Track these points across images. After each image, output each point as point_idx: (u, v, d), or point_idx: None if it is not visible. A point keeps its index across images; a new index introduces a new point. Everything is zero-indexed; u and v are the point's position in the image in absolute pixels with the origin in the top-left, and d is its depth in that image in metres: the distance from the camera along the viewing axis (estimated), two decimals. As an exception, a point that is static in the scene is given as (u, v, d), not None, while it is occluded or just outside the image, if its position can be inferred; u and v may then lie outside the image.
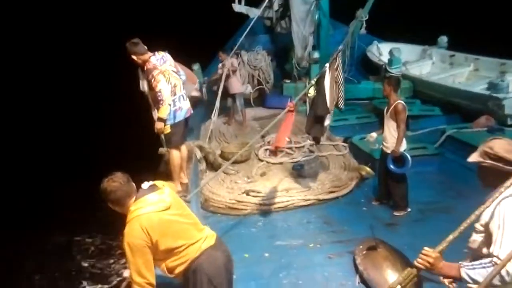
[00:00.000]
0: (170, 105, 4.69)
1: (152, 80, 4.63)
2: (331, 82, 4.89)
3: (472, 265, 2.12)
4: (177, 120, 4.82)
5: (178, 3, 17.32)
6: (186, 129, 5.31)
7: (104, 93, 11.37)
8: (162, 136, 5.06)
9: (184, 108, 4.91)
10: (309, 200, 5.47)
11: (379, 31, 10.57)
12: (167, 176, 5.00)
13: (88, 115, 10.69)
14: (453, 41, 9.73)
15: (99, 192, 2.70)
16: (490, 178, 2.29)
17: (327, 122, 5.11)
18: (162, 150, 5.52)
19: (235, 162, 6.40)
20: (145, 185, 2.82)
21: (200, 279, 2.76)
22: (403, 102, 4.92)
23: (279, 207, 5.40)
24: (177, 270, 2.80)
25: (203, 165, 6.13)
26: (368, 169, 6.02)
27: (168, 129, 4.79)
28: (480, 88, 7.52)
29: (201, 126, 7.70)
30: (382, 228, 4.86)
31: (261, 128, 7.35)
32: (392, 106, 4.90)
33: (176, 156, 4.98)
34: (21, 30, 15.62)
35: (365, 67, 10.05)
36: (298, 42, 8.80)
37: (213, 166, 6.25)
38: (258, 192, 5.53)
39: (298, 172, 6.05)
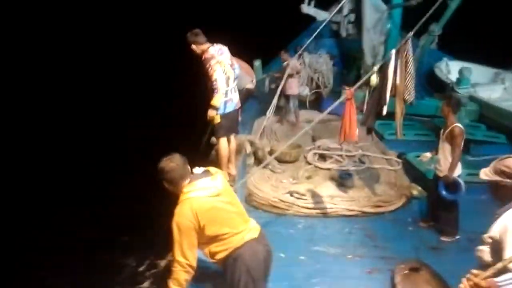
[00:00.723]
0: (223, 94, 4.81)
1: (209, 69, 4.79)
2: (401, 72, 4.68)
3: (502, 281, 2.04)
4: (226, 111, 4.96)
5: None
6: (236, 122, 5.41)
7: (162, 86, 11.62)
8: (213, 127, 5.19)
9: (234, 100, 5.05)
10: (353, 210, 5.36)
11: (450, 48, 10.13)
12: (216, 166, 5.09)
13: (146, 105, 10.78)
14: (530, 68, 9.14)
15: (157, 171, 2.86)
16: (503, 193, 2.45)
17: (383, 112, 4.92)
18: (213, 140, 5.64)
19: (283, 162, 6.42)
20: (199, 169, 2.92)
21: (240, 268, 2.83)
22: (460, 126, 4.66)
23: (321, 213, 5.34)
24: (219, 256, 2.88)
25: (251, 160, 6.19)
26: (419, 188, 5.80)
27: (218, 119, 4.91)
28: (552, 120, 7.01)
29: (254, 122, 7.76)
30: (427, 251, 4.68)
31: (313, 131, 7.30)
32: (449, 129, 4.68)
33: (224, 147, 5.10)
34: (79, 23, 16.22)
35: (431, 84, 9.66)
36: (368, 51, 8.58)
37: (261, 163, 6.26)
38: (302, 195, 5.49)
39: (345, 181, 5.93)
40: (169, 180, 2.85)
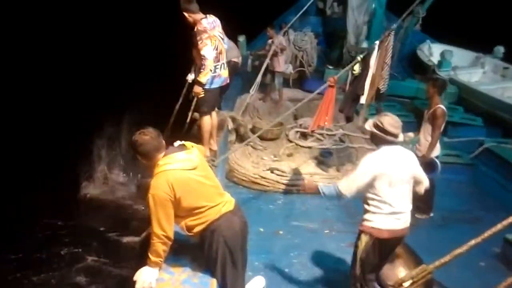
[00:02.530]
0: (211, 71, 4.73)
1: (200, 42, 4.66)
2: (379, 61, 4.76)
3: (325, 185, 3.32)
4: (213, 86, 4.86)
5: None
6: (220, 98, 5.36)
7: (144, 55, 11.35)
8: (196, 101, 5.13)
9: (223, 76, 4.94)
10: (332, 188, 5.45)
11: (434, 30, 10.19)
12: (198, 140, 5.08)
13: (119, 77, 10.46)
14: (510, 53, 9.29)
15: (130, 144, 2.84)
16: (376, 140, 3.24)
17: (362, 101, 5.02)
18: (196, 114, 5.60)
19: (265, 139, 6.45)
20: (175, 143, 2.91)
21: (217, 239, 2.88)
22: (443, 107, 4.75)
23: (300, 189, 5.41)
24: (196, 229, 2.91)
25: (233, 136, 6.20)
26: None
27: (202, 94, 4.84)
28: (529, 105, 7.20)
29: (237, 98, 7.72)
30: (401, 228, 4.81)
31: (296, 109, 7.32)
32: (432, 110, 4.77)
33: (207, 122, 5.05)
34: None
35: (413, 65, 9.76)
36: (352, 30, 8.58)
37: (242, 139, 6.29)
38: (283, 172, 5.55)
39: (326, 159, 6.02)
40: (143, 153, 2.81)
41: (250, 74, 8.45)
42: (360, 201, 5.23)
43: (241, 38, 8.98)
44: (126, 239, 5.35)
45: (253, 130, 6.53)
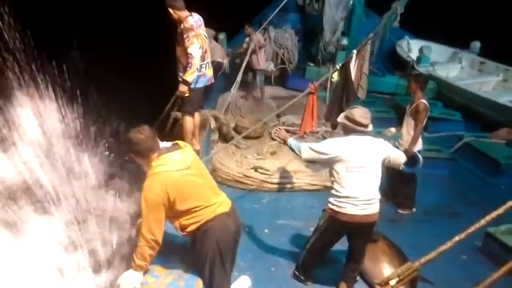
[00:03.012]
0: (197, 69, 4.68)
1: (187, 40, 4.60)
2: (357, 70, 4.82)
3: (294, 140, 3.71)
4: (198, 85, 4.82)
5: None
6: (203, 97, 5.31)
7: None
8: (179, 100, 5.07)
9: (208, 75, 4.90)
10: (315, 185, 5.47)
11: (412, 26, 10.33)
12: (179, 140, 5.02)
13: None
14: (486, 48, 9.49)
15: (125, 141, 2.81)
16: (347, 131, 3.51)
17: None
18: (177, 114, 5.54)
19: (248, 138, 6.41)
20: (168, 143, 2.87)
21: (209, 240, 2.86)
22: (425, 102, 4.82)
23: (285, 188, 5.42)
24: (189, 229, 2.88)
25: (215, 136, 6.15)
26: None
27: (187, 93, 4.79)
28: (506, 99, 7.38)
29: (219, 97, 7.68)
30: (385, 223, 4.77)
31: (278, 107, 7.33)
32: (414, 105, 4.83)
33: (189, 121, 5.00)
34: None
35: (392, 62, 9.88)
36: (328, 26, 8.64)
37: (225, 138, 6.26)
38: (267, 170, 5.54)
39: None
40: (137, 152, 2.79)
41: (231, 72, 8.41)
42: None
43: (221, 36, 8.92)
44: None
45: (236, 129, 6.50)
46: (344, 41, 8.32)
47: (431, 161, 5.71)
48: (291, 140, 3.71)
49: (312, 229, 4.65)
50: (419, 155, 4.89)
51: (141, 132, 2.78)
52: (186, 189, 2.77)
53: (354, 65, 4.80)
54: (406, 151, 4.83)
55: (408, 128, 4.92)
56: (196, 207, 2.82)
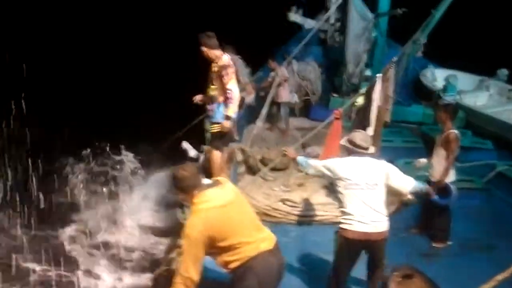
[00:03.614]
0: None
1: (225, 75, 4.72)
2: (383, 92, 4.81)
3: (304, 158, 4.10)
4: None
5: (231, 6, 17.57)
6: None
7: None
8: (208, 134, 5.14)
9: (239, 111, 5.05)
10: (345, 217, 5.36)
11: (436, 56, 10.30)
12: (207, 174, 5.06)
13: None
14: (513, 75, 9.36)
15: (170, 177, 2.97)
16: (349, 153, 3.76)
17: (369, 132, 5.02)
18: (206, 148, 5.61)
19: (274, 169, 6.41)
20: (208, 180, 2.92)
21: (250, 279, 2.80)
22: (456, 132, 4.75)
23: (313, 220, 5.34)
24: (232, 265, 2.86)
25: (242, 168, 6.17)
26: (409, 196, 5.84)
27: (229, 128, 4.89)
28: (537, 127, 7.18)
29: (244, 130, 7.75)
30: (419, 257, 4.70)
31: (303, 138, 7.30)
32: (445, 135, 4.75)
33: (218, 155, 5.06)
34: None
35: (417, 91, 9.81)
36: (352, 58, 8.70)
37: (252, 170, 6.27)
38: (294, 202, 5.48)
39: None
40: (180, 188, 2.86)
41: (254, 105, 8.52)
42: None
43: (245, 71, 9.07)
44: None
45: (262, 161, 6.50)
46: (368, 72, 8.35)
47: (464, 192, 5.54)
48: (300, 158, 4.08)
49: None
50: (452, 186, 4.77)
51: (185, 169, 2.86)
52: (228, 225, 2.78)
53: (380, 88, 4.78)
54: (438, 182, 4.74)
55: (439, 158, 4.83)
56: (238, 243, 2.80)
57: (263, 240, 2.89)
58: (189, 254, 2.73)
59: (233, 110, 4.74)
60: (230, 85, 4.68)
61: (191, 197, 2.82)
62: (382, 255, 3.74)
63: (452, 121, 4.81)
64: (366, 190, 3.57)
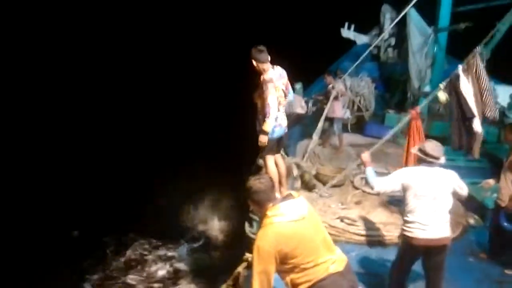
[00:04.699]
0: (274, 119, 4.79)
1: (265, 90, 4.77)
2: (473, 85, 4.60)
3: (373, 171, 3.99)
4: (274, 135, 4.93)
5: (284, 21, 17.69)
6: (280, 144, 5.35)
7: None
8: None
9: (283, 125, 5.03)
10: (407, 238, 5.12)
11: (498, 72, 9.80)
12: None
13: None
14: None
15: (245, 188, 2.82)
16: (419, 162, 3.79)
17: (478, 128, 4.80)
18: (260, 161, 5.59)
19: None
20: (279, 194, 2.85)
21: None
22: None
23: (373, 240, 5.13)
24: (301, 287, 2.72)
25: (298, 183, 6.08)
26: (476, 217, 5.52)
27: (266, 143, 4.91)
28: None
29: (297, 145, 7.68)
30: (491, 284, 4.43)
31: (357, 154, 7.14)
32: None
33: (271, 164, 5.07)
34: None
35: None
36: (415, 74, 8.47)
37: (307, 186, 6.17)
38: (354, 221, 5.31)
39: (397, 207, 5.71)
40: (254, 200, 2.78)
41: (308, 119, 8.44)
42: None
43: (298, 86, 9.08)
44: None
45: (316, 177, 6.39)
46: (427, 88, 8.08)
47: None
48: (369, 170, 3.99)
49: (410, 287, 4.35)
50: None
51: (261, 181, 2.78)
52: (299, 242, 2.66)
53: (468, 83, 4.57)
54: (506, 208, 4.46)
55: (507, 182, 4.54)
56: (307, 262, 2.68)
57: (333, 261, 2.75)
58: (259, 267, 2.62)
59: (269, 125, 4.74)
60: (269, 99, 4.69)
61: (264, 210, 2.74)
62: (442, 260, 3.77)
63: None
64: (433, 200, 3.64)
